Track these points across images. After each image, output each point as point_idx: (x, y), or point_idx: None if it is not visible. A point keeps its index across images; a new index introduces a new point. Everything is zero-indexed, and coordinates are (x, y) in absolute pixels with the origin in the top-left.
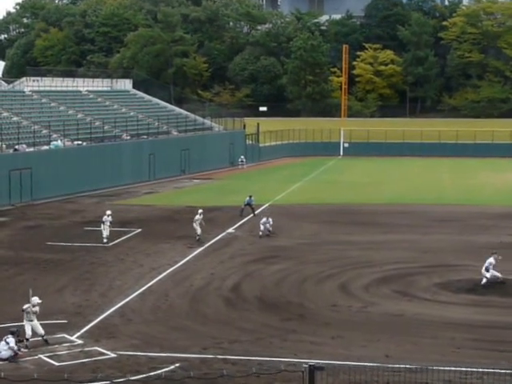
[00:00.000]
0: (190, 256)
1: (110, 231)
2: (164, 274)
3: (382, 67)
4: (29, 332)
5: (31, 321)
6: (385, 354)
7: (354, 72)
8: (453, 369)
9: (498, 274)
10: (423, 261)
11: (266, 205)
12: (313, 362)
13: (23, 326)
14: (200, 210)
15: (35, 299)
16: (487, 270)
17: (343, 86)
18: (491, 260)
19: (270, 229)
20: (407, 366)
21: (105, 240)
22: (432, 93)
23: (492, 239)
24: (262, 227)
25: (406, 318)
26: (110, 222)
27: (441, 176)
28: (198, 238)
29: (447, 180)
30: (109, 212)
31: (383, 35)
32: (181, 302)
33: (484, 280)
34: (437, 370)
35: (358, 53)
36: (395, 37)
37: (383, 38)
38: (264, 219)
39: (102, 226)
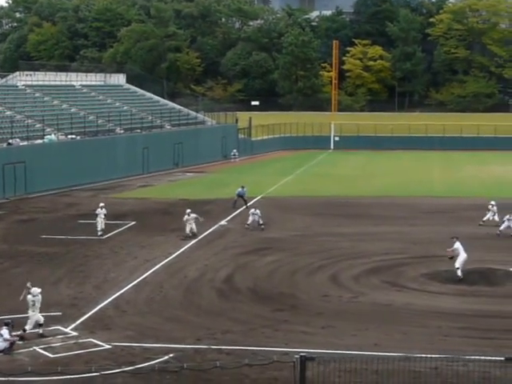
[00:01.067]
0: (184, 248)
1: (105, 224)
2: (158, 265)
3: (371, 62)
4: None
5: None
6: (374, 342)
7: (344, 67)
8: (440, 356)
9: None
10: (412, 252)
11: (259, 197)
12: (304, 351)
13: (19, 317)
14: (188, 210)
15: (35, 290)
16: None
17: (333, 81)
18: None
19: (260, 221)
20: (396, 354)
21: (99, 232)
22: (419, 88)
23: (479, 230)
24: (250, 218)
25: (394, 307)
26: (105, 215)
27: (429, 169)
28: (187, 235)
29: (435, 173)
30: (102, 204)
31: (372, 31)
32: (175, 294)
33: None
34: (424, 358)
35: (348, 48)
36: (384, 33)
37: (372, 34)
38: (252, 210)
39: (97, 218)
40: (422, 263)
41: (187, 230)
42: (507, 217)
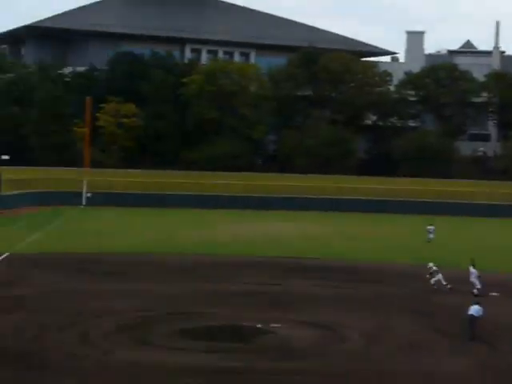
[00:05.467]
0: None
1: None
2: None
3: (125, 120)
4: None
5: None
6: None
7: (97, 123)
8: None
9: None
10: (163, 308)
11: (6, 253)
12: None
13: None
14: None
15: None
16: None
17: (86, 138)
18: None
19: None
20: None
21: None
22: (172, 146)
23: (232, 287)
24: None
25: (143, 365)
26: None
27: (180, 226)
28: None
29: (185, 230)
30: None
31: (126, 89)
32: None
33: None
34: None
35: (101, 105)
36: (137, 91)
37: (126, 92)
38: None
39: None
40: (172, 320)
41: None
42: None
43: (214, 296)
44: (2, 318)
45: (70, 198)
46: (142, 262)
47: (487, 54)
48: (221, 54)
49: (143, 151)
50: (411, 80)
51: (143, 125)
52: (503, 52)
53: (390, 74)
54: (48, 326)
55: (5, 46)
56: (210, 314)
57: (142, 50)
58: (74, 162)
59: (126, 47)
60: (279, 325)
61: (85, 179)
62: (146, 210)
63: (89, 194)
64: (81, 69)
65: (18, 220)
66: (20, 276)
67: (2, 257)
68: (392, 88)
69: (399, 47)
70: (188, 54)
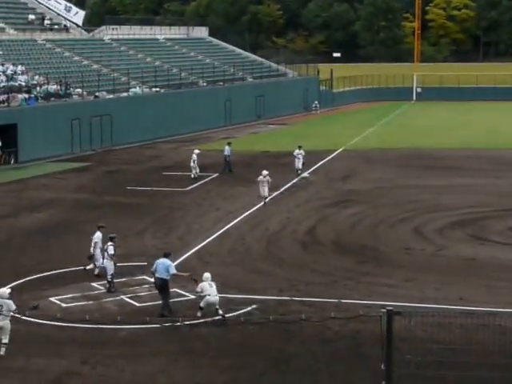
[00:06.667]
0: (266, 200)
1: (193, 173)
2: (240, 217)
3: (455, 12)
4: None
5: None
6: (458, 296)
7: (427, 17)
8: None
9: None
10: (497, 204)
11: (341, 149)
12: (386, 304)
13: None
14: (264, 172)
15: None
16: None
17: (416, 32)
18: None
19: (300, 165)
20: (481, 309)
21: (192, 176)
22: (505, 37)
23: None
24: (296, 161)
25: (479, 261)
26: (194, 161)
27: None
28: (262, 197)
29: None
30: (197, 151)
31: None
32: (257, 245)
33: None
34: (510, 313)
35: None
36: None
37: None
38: (296, 150)
39: (192, 163)
40: (508, 216)
41: (260, 191)
42: None
43: None
44: (338, 212)
45: (400, 94)
46: (475, 157)
47: None
48: None
49: (475, 43)
50: None
51: (475, 16)
52: None
53: None
54: (381, 220)
55: None
56: None
57: None
58: (403, 57)
59: None
60: None
61: (415, 74)
62: (478, 103)
63: (419, 89)
64: None
65: (349, 116)
66: (353, 171)
67: (336, 152)
68: None
69: None
70: None
